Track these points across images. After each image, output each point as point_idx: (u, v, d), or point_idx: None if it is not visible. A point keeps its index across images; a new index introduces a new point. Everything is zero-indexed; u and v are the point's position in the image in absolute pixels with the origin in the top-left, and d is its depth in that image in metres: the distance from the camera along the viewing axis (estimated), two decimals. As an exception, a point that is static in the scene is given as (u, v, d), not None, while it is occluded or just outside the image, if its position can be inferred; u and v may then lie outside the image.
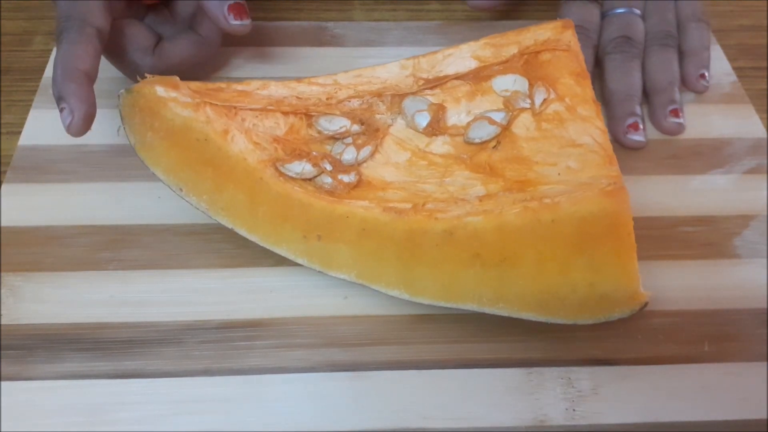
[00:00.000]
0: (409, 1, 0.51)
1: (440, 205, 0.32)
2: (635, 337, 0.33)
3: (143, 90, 0.33)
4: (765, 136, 0.41)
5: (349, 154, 0.35)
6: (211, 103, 0.33)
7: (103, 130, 0.39)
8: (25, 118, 0.40)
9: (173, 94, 0.33)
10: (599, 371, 0.31)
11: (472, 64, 0.38)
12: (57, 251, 0.35)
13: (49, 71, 0.43)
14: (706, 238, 0.36)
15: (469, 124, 0.36)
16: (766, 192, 0.38)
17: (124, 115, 0.33)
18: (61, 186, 0.37)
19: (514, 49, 0.38)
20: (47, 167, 0.38)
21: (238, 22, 0.37)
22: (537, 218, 0.29)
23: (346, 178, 0.33)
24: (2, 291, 0.33)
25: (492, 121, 0.36)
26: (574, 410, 0.30)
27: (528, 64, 0.37)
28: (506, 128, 0.36)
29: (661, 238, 0.36)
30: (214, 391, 0.30)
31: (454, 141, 0.36)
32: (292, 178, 0.33)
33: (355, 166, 0.35)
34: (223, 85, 0.35)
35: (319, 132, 0.36)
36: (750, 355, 0.32)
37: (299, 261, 0.31)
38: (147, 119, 0.32)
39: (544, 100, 0.36)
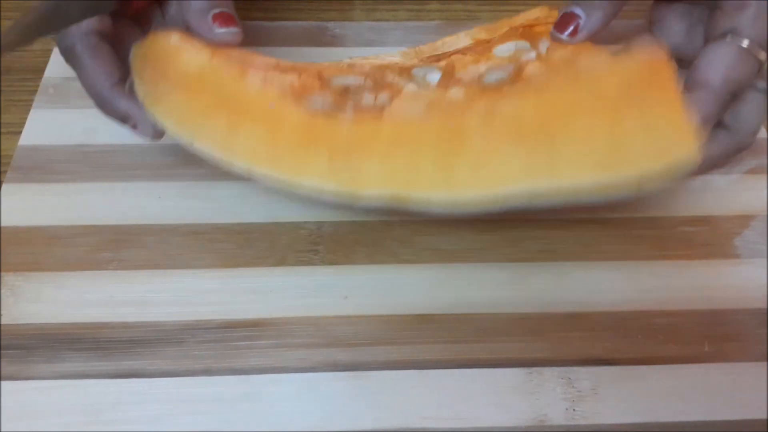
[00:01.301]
0: (409, 1, 0.51)
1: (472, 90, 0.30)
2: (635, 337, 0.33)
3: (157, 40, 0.32)
4: (765, 136, 0.41)
5: (367, 99, 0.33)
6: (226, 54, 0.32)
7: (103, 129, 0.39)
8: (26, 118, 0.40)
9: (188, 44, 0.32)
10: (599, 371, 0.31)
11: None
12: (57, 251, 0.35)
13: (49, 71, 0.43)
14: (706, 238, 0.36)
15: (481, 73, 0.35)
16: (766, 192, 0.39)
17: (136, 68, 0.32)
18: (62, 186, 0.37)
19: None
20: (47, 167, 0.38)
21: (224, 30, 0.33)
22: (577, 84, 0.27)
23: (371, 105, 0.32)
24: (2, 291, 0.33)
25: (505, 65, 0.35)
26: (574, 410, 0.30)
27: (524, 35, 0.37)
28: (518, 75, 0.34)
29: (661, 238, 0.36)
30: (214, 391, 0.30)
31: (469, 89, 0.34)
32: (314, 110, 0.31)
33: (376, 107, 0.33)
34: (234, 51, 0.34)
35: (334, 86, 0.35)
36: (750, 355, 0.32)
37: (327, 188, 0.28)
38: (159, 68, 0.31)
39: (548, 48, 0.35)
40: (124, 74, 0.33)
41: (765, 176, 0.39)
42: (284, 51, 0.46)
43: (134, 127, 0.33)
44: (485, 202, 0.26)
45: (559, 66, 0.33)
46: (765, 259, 0.36)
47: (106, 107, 0.33)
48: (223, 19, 0.34)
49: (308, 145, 0.29)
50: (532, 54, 0.36)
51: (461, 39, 0.38)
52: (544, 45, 0.36)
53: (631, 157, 0.26)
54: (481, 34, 0.38)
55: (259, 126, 0.30)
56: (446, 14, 0.50)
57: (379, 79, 0.35)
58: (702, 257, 0.36)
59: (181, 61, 0.31)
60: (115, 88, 0.33)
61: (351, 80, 0.35)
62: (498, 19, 0.49)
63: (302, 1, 0.50)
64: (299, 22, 0.48)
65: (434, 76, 0.36)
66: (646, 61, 0.27)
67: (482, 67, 0.36)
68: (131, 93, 0.33)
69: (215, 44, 0.33)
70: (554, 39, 0.34)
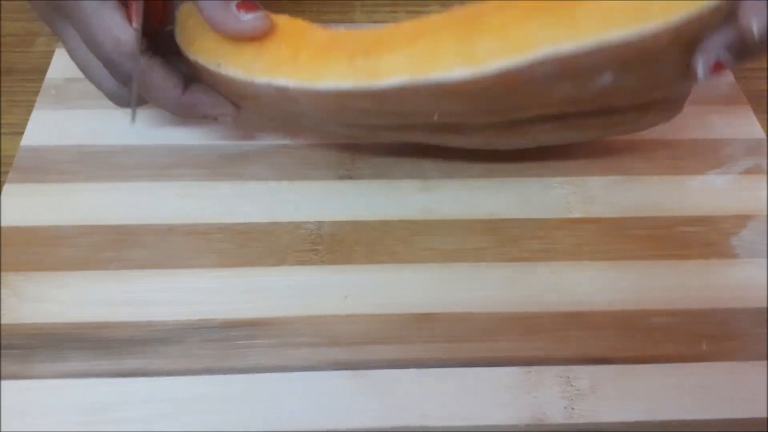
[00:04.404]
0: (409, 2, 0.51)
1: None
2: (634, 336, 0.33)
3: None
4: (763, 136, 0.41)
5: None
6: None
7: (105, 130, 0.40)
8: (27, 119, 0.41)
9: None
10: (598, 370, 0.32)
11: None
12: (58, 251, 0.35)
13: (51, 72, 0.43)
14: (705, 238, 0.37)
15: None
16: (765, 192, 0.39)
17: (180, 21, 0.34)
18: (63, 186, 0.38)
19: None
20: (49, 167, 0.38)
21: (251, 16, 0.31)
22: None
23: None
24: (4, 290, 0.33)
25: None
26: (572, 409, 0.30)
27: None
28: None
29: (661, 238, 0.36)
30: (216, 390, 0.31)
31: None
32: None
33: None
34: None
35: None
36: (749, 355, 0.32)
37: (345, 86, 0.29)
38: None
39: None
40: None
41: (764, 176, 0.39)
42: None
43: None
44: (508, 70, 0.26)
45: None
46: (764, 259, 0.36)
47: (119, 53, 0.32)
48: (248, 6, 0.31)
49: (328, 52, 0.30)
50: None
51: None
52: None
53: (655, 7, 0.25)
54: None
55: (283, 45, 0.31)
56: (446, 15, 0.50)
57: None
58: (701, 257, 0.36)
59: None
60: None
61: None
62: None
63: (302, 2, 0.51)
64: (300, 24, 0.48)
65: None
66: None
67: None
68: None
69: (243, 36, 0.31)
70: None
